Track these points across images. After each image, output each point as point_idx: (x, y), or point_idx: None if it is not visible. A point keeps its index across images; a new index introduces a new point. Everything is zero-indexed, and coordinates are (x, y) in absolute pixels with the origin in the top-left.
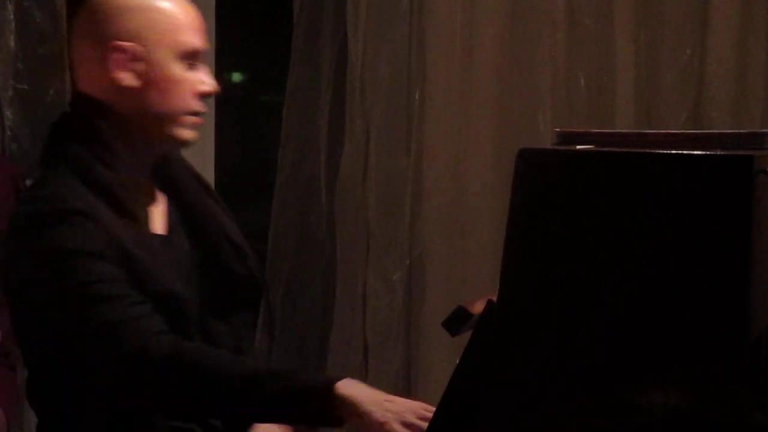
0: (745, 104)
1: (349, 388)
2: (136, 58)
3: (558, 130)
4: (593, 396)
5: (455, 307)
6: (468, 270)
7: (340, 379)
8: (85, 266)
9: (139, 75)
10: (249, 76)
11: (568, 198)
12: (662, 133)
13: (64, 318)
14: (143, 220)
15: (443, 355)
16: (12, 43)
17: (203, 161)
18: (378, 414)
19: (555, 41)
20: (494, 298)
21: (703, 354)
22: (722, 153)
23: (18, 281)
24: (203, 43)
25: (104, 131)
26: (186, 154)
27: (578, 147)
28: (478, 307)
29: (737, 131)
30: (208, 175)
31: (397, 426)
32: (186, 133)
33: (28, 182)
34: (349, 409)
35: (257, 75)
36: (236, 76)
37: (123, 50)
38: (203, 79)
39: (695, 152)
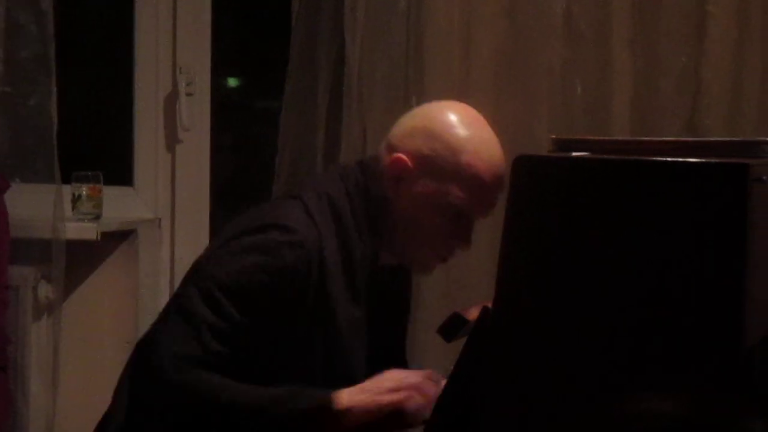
0: (740, 112)
1: (348, 399)
2: (405, 175)
3: (554, 137)
4: (589, 403)
5: (451, 314)
6: (463, 276)
7: (336, 393)
8: (230, 308)
9: (401, 194)
10: (246, 82)
11: (564, 205)
12: (658, 141)
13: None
14: (359, 301)
15: (438, 362)
16: None
17: (199, 166)
18: (385, 401)
19: (552, 48)
20: (490, 305)
21: (698, 362)
22: (718, 161)
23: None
24: (483, 213)
25: (376, 218)
26: (182, 159)
27: (574, 154)
28: (473, 314)
29: (733, 139)
30: (204, 180)
31: (410, 404)
32: (422, 268)
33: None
34: (354, 417)
35: (254, 80)
36: (233, 81)
37: (400, 164)
38: (463, 237)
39: (691, 160)
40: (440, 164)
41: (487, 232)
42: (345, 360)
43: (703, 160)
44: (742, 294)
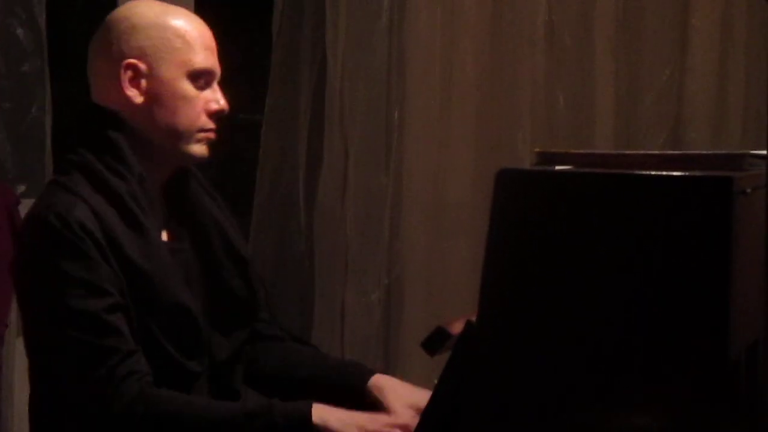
0: (724, 125)
1: (322, 414)
2: (145, 75)
3: (537, 150)
4: (572, 416)
5: (434, 328)
6: (446, 289)
7: (310, 407)
8: (85, 302)
9: (148, 92)
10: (228, 95)
11: (547, 218)
12: (642, 154)
13: (58, 352)
14: (152, 231)
15: (422, 376)
16: None
17: None
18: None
19: (535, 61)
20: (473, 319)
21: (683, 374)
22: (702, 174)
23: (25, 291)
24: (214, 64)
25: (118, 141)
26: None
27: (557, 167)
28: (457, 328)
29: (717, 152)
30: None
31: None
32: (197, 149)
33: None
34: None
35: (235, 94)
36: None
37: (133, 68)
38: (213, 98)
39: (675, 173)
40: (159, 44)
41: (470, 245)
42: (156, 286)
43: (688, 173)
44: (727, 306)
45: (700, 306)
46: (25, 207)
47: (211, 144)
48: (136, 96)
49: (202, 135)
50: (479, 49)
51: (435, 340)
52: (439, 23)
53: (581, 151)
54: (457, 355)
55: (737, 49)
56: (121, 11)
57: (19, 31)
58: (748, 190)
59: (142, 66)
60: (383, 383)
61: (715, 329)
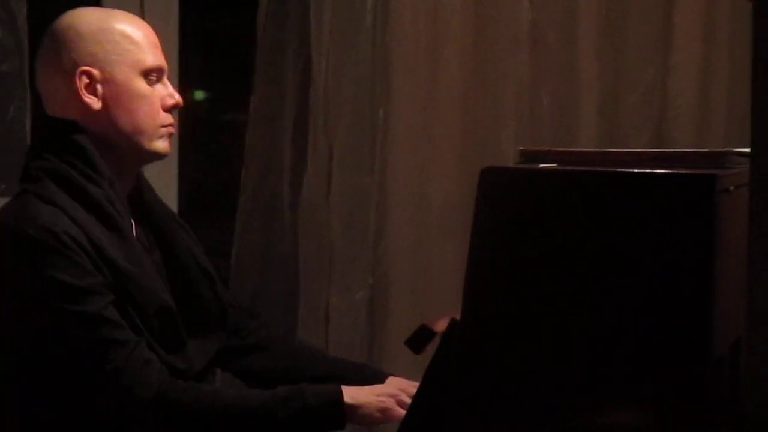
0: (708, 123)
1: (353, 394)
2: (100, 81)
3: (521, 148)
4: (557, 414)
5: (418, 326)
6: (431, 288)
7: (341, 387)
8: (85, 305)
9: (105, 97)
10: (212, 95)
11: (531, 216)
12: (625, 152)
13: (69, 359)
14: (131, 234)
15: (407, 374)
16: None
17: (167, 180)
18: (375, 406)
19: (519, 59)
20: (457, 317)
21: (666, 373)
22: (685, 172)
23: (9, 307)
24: (162, 60)
25: (86, 147)
26: (149, 172)
27: (541, 166)
28: (441, 326)
29: (700, 150)
30: (171, 193)
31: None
32: (160, 145)
33: None
34: (354, 413)
35: (220, 94)
36: (199, 95)
37: (87, 74)
38: (167, 93)
39: (658, 171)
40: (109, 48)
41: (455, 244)
42: (140, 288)
43: (671, 171)
44: (710, 304)
45: (683, 304)
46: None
47: (169, 139)
48: (94, 102)
49: (163, 130)
50: (463, 48)
51: (419, 339)
52: (423, 22)
53: (565, 149)
54: (440, 354)
55: (720, 47)
56: (63, 20)
57: (1, 32)
58: (732, 188)
59: (96, 72)
60: (399, 381)
61: (698, 327)
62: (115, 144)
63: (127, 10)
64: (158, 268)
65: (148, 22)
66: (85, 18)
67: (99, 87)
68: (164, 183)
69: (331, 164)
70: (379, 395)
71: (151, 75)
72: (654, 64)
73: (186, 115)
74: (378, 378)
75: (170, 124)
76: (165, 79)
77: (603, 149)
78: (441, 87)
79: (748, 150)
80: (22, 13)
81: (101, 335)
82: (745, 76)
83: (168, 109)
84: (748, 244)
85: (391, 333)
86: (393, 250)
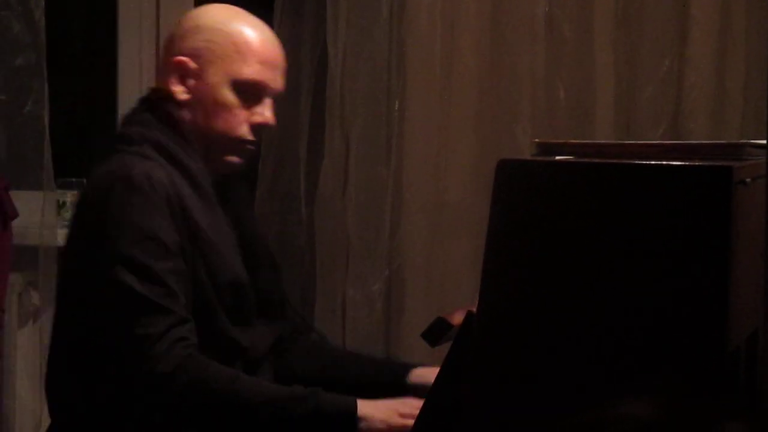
0: (723, 115)
1: (366, 409)
2: (193, 75)
3: (537, 140)
4: (572, 406)
5: (435, 318)
6: (448, 281)
7: (355, 399)
8: (152, 259)
9: (193, 91)
10: None
11: (547, 209)
12: (642, 144)
13: (110, 308)
14: (216, 205)
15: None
16: None
17: None
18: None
19: (534, 52)
20: (474, 309)
21: (683, 365)
22: (702, 164)
23: (91, 238)
24: (270, 79)
25: (184, 126)
26: None
27: (557, 158)
28: (457, 318)
29: (716, 142)
30: None
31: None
32: (229, 159)
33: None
34: (367, 425)
35: None
36: None
37: (183, 65)
38: (259, 111)
39: (675, 163)
40: (212, 48)
41: (471, 236)
42: (220, 258)
43: (688, 163)
44: (726, 296)
45: (699, 296)
46: (15, 197)
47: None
48: (181, 93)
49: (237, 146)
50: (479, 41)
51: (435, 331)
52: (439, 15)
53: (581, 141)
54: (457, 346)
55: (737, 39)
56: (197, 11)
57: (14, 24)
58: (748, 180)
59: (192, 65)
60: (424, 372)
61: (715, 319)
62: (195, 136)
63: (142, 6)
64: (234, 247)
65: (165, 19)
66: (210, 13)
67: (190, 80)
68: None
69: (347, 157)
70: (391, 409)
71: (244, 87)
72: (670, 56)
73: None
74: (403, 372)
75: (248, 141)
76: (267, 100)
77: (619, 141)
78: (457, 80)
79: (764, 142)
80: (40, 7)
81: (154, 297)
82: (762, 68)
83: (255, 127)
84: (765, 235)
85: (407, 325)
86: (409, 243)
